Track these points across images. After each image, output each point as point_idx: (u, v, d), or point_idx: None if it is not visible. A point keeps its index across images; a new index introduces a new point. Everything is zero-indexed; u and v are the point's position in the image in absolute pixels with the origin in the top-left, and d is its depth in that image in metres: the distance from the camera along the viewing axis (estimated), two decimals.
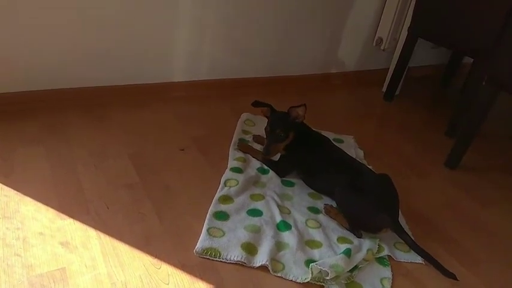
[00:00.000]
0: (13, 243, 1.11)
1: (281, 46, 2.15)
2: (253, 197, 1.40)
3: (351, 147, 1.78)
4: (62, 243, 1.13)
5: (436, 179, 1.73)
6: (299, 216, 1.36)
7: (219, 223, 1.26)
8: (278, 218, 1.31)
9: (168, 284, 1.07)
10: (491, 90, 1.63)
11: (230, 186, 1.41)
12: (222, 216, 1.29)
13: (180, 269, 1.11)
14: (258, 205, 1.37)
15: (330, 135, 1.76)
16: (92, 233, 1.18)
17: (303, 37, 2.19)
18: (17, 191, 1.27)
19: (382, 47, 2.36)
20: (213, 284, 1.09)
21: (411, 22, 2.12)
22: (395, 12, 2.25)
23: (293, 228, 1.29)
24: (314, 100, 2.22)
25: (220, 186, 1.42)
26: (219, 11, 1.88)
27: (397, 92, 2.37)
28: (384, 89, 2.38)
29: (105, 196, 1.31)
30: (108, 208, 1.27)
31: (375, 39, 2.39)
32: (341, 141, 1.82)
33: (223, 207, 1.33)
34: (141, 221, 1.25)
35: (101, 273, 1.07)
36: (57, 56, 1.66)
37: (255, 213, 1.33)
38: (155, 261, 1.12)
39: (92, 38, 1.69)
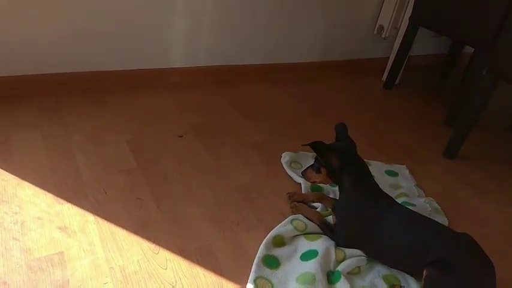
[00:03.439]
0: (11, 227, 1.11)
1: (280, 33, 2.13)
2: (309, 237, 1.22)
3: (406, 179, 1.58)
4: (60, 228, 1.13)
5: (433, 168, 1.73)
6: (350, 262, 1.15)
7: (268, 272, 1.09)
8: (332, 266, 1.14)
9: (166, 269, 1.08)
10: (491, 80, 1.63)
11: (295, 228, 1.22)
12: (272, 262, 1.12)
13: (178, 254, 1.12)
14: (314, 245, 1.18)
15: (381, 167, 1.61)
16: (90, 217, 1.18)
17: (302, 24, 2.17)
18: (15, 175, 1.27)
19: (383, 35, 2.34)
20: (211, 269, 1.10)
21: (412, 10, 2.10)
22: (397, 0, 2.23)
23: (342, 278, 1.10)
24: (313, 88, 2.21)
25: (284, 222, 1.25)
26: None
27: (397, 81, 2.36)
28: (384, 77, 2.37)
29: (103, 181, 1.31)
30: (106, 193, 1.27)
31: (376, 27, 2.37)
32: (395, 174, 1.60)
33: (275, 251, 1.15)
34: (138, 207, 1.25)
35: (99, 258, 1.07)
36: (54, 40, 1.64)
37: (309, 255, 1.14)
38: (153, 246, 1.13)
39: (90, 22, 1.67)
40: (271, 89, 2.11)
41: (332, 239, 1.21)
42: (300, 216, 1.27)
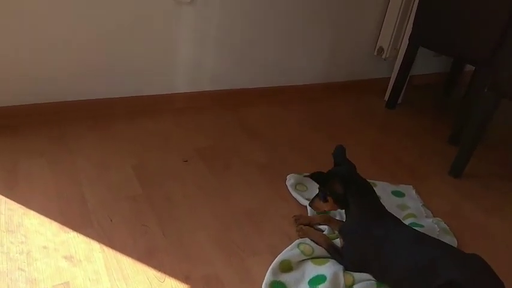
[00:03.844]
0: (17, 257, 1.11)
1: (283, 56, 2.16)
2: (316, 262, 1.19)
3: (413, 199, 1.56)
4: (65, 257, 1.13)
5: (440, 187, 1.72)
6: (361, 286, 1.13)
7: None
8: None
9: None
10: (492, 97, 1.63)
11: (303, 252, 1.21)
12: None
13: (184, 282, 1.11)
14: (322, 269, 1.15)
15: (387, 188, 1.59)
16: (95, 246, 1.17)
17: (305, 47, 2.20)
18: (21, 204, 1.27)
19: (383, 56, 2.37)
20: None
21: (412, 31, 2.13)
22: (396, 21, 2.26)
23: None
24: (317, 109, 2.22)
25: (290, 246, 1.23)
26: (220, 22, 1.90)
27: (399, 101, 2.37)
28: (387, 97, 2.38)
29: (108, 208, 1.31)
30: (111, 220, 1.27)
31: (376, 49, 2.40)
32: (402, 194, 1.58)
33: (283, 276, 1.13)
34: (144, 234, 1.24)
35: (105, 287, 1.06)
36: (60, 70, 1.67)
37: (317, 281, 1.12)
38: (159, 274, 1.12)
39: (94, 51, 1.70)
40: (275, 111, 2.13)
41: (340, 262, 1.19)
42: (307, 240, 1.26)
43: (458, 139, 1.98)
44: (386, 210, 1.20)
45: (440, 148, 2.01)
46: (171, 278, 1.11)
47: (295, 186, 1.52)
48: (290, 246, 1.23)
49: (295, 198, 1.48)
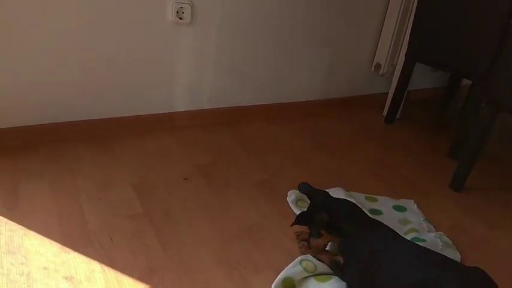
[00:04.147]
0: (17, 278, 1.10)
1: (281, 73, 2.19)
2: (319, 279, 1.18)
3: (415, 214, 1.55)
4: (66, 278, 1.12)
5: (441, 201, 1.72)
6: None
7: None
8: None
9: None
10: (490, 111, 1.64)
11: (305, 269, 1.19)
12: None
13: None
14: (325, 286, 1.15)
15: (388, 202, 1.59)
16: (96, 266, 1.17)
17: (303, 64, 2.23)
18: (21, 224, 1.27)
19: (380, 72, 2.39)
20: None
21: (408, 47, 2.16)
22: (392, 37, 2.29)
23: None
24: (316, 126, 2.24)
25: (292, 263, 1.21)
26: (219, 42, 1.93)
27: (397, 116, 2.38)
28: (385, 112, 2.40)
29: (108, 228, 1.31)
30: (112, 240, 1.26)
31: (374, 65, 2.43)
32: (403, 209, 1.57)
33: None
34: (145, 252, 1.24)
35: None
36: (60, 90, 1.69)
37: None
38: None
39: (93, 71, 1.73)
40: (274, 128, 2.14)
41: (342, 279, 1.18)
42: (309, 257, 1.25)
43: (457, 153, 1.99)
44: (379, 220, 1.22)
45: (440, 162, 2.02)
46: None
47: (296, 202, 1.52)
48: (292, 263, 1.22)
49: (296, 214, 1.48)
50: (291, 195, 1.55)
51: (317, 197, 1.26)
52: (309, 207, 1.26)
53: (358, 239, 1.17)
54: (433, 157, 2.06)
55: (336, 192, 1.54)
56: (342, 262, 1.22)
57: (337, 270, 1.21)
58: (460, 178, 1.77)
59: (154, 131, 1.91)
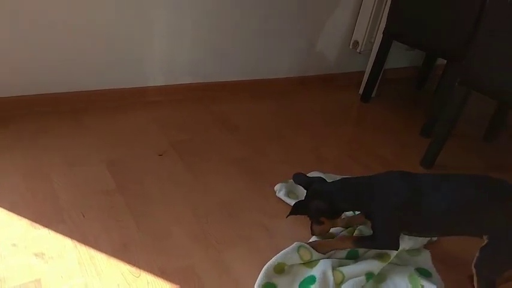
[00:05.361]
0: None
1: (258, 49, 2.16)
2: (308, 264, 1.18)
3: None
4: (36, 254, 1.09)
5: None
6: (349, 285, 1.12)
7: None
8: None
9: None
10: (463, 90, 1.68)
11: (301, 257, 1.17)
12: None
13: (159, 276, 1.09)
14: (312, 271, 1.15)
15: None
16: (67, 242, 1.14)
17: (281, 41, 2.20)
18: None
19: (358, 50, 2.39)
20: None
21: (386, 25, 2.16)
22: (371, 15, 2.29)
23: None
24: (292, 103, 2.23)
25: (290, 249, 1.18)
26: (194, 15, 1.87)
27: (373, 94, 2.40)
28: (361, 91, 2.41)
29: (80, 204, 1.28)
30: (84, 216, 1.24)
31: (351, 42, 2.42)
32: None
33: (275, 278, 1.12)
34: (118, 229, 1.22)
35: (78, 284, 1.04)
36: (31, 62, 1.61)
37: (307, 283, 1.12)
38: (134, 269, 1.10)
39: (64, 42, 1.65)
40: (251, 105, 2.12)
41: (375, 246, 1.18)
42: (305, 244, 1.21)
43: (430, 131, 2.03)
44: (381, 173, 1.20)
45: (413, 140, 2.06)
46: (146, 272, 1.10)
47: (288, 195, 1.46)
48: (290, 248, 1.18)
49: (276, 196, 1.46)
50: (281, 189, 1.47)
51: (313, 185, 1.22)
52: (306, 196, 1.22)
53: (382, 194, 1.14)
54: (407, 135, 2.10)
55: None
56: (369, 228, 1.20)
57: (364, 242, 1.19)
58: (431, 156, 1.82)
59: (127, 106, 1.86)
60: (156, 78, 1.94)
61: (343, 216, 1.29)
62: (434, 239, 1.36)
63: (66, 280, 1.04)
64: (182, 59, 1.95)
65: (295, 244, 1.20)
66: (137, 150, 1.58)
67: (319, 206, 1.18)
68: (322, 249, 1.21)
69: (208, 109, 1.98)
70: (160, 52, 1.88)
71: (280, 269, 1.14)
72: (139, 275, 1.09)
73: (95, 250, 1.13)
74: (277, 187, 1.49)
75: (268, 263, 1.13)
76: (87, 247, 1.14)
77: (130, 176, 1.44)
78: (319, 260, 1.19)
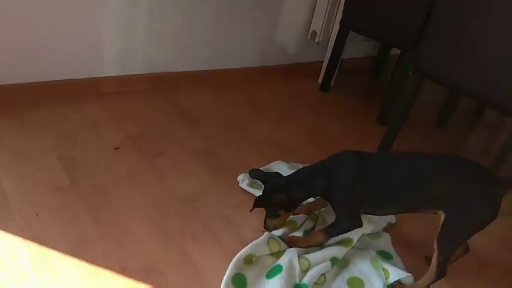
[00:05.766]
0: None
1: (218, 39, 2.12)
2: (275, 255, 1.19)
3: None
4: None
5: None
6: (315, 272, 1.14)
7: None
8: (297, 278, 1.12)
9: None
10: (416, 79, 1.74)
11: (270, 248, 1.18)
12: (240, 282, 1.09)
13: (120, 273, 1.06)
14: (278, 261, 1.16)
15: None
16: (19, 242, 1.08)
17: (240, 30, 2.18)
18: None
19: (316, 40, 2.42)
20: (157, 287, 1.05)
21: (342, 15, 2.19)
22: (328, 6, 2.31)
23: None
24: (253, 93, 2.23)
25: (261, 240, 1.19)
26: (151, 3, 1.81)
27: (332, 83, 2.44)
28: (320, 80, 2.45)
29: (32, 202, 1.21)
30: (36, 215, 1.17)
31: (310, 33, 2.44)
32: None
33: (244, 269, 1.12)
34: (74, 226, 1.17)
35: (32, 286, 0.98)
36: None
37: (274, 272, 1.12)
38: (92, 267, 1.06)
39: (13, 32, 1.54)
40: (211, 95, 2.09)
41: (341, 229, 1.19)
42: (275, 236, 1.22)
43: (386, 119, 2.10)
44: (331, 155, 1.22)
45: (370, 128, 2.12)
46: (106, 270, 1.06)
47: (252, 185, 1.46)
48: (260, 239, 1.19)
49: (240, 187, 1.45)
50: (244, 180, 1.47)
51: (270, 180, 1.22)
52: (264, 190, 1.22)
53: (333, 178, 1.15)
54: (364, 123, 2.16)
55: (278, 166, 1.55)
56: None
57: (332, 230, 1.19)
58: (387, 142, 1.88)
59: (79, 98, 1.77)
60: (111, 69, 1.86)
61: (305, 203, 1.31)
62: (393, 221, 1.41)
63: (20, 283, 0.98)
64: (138, 49, 1.89)
65: (264, 235, 1.20)
66: (92, 144, 1.52)
67: (281, 198, 1.18)
68: (297, 246, 1.21)
69: (166, 100, 1.93)
70: (115, 41, 1.81)
71: (248, 260, 1.14)
72: (99, 273, 1.05)
73: (50, 249, 1.08)
74: (240, 178, 1.48)
75: (238, 254, 1.13)
76: (41, 246, 1.08)
77: (84, 171, 1.38)
78: (284, 251, 1.20)
